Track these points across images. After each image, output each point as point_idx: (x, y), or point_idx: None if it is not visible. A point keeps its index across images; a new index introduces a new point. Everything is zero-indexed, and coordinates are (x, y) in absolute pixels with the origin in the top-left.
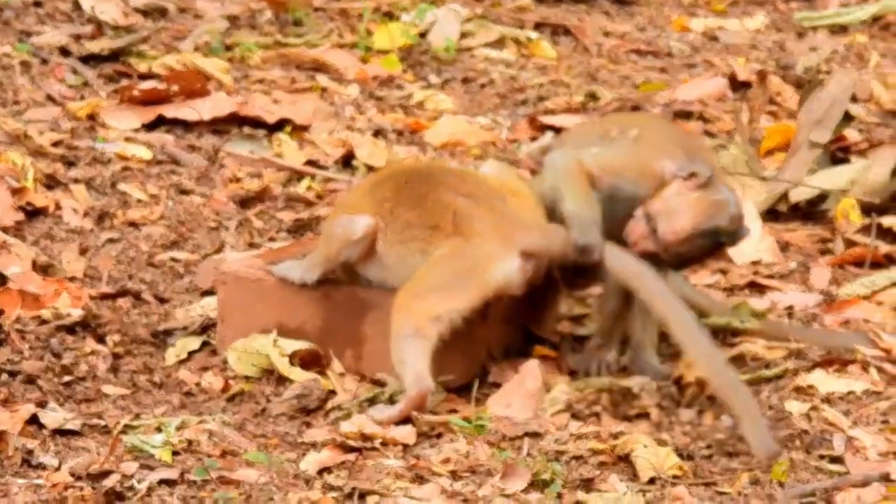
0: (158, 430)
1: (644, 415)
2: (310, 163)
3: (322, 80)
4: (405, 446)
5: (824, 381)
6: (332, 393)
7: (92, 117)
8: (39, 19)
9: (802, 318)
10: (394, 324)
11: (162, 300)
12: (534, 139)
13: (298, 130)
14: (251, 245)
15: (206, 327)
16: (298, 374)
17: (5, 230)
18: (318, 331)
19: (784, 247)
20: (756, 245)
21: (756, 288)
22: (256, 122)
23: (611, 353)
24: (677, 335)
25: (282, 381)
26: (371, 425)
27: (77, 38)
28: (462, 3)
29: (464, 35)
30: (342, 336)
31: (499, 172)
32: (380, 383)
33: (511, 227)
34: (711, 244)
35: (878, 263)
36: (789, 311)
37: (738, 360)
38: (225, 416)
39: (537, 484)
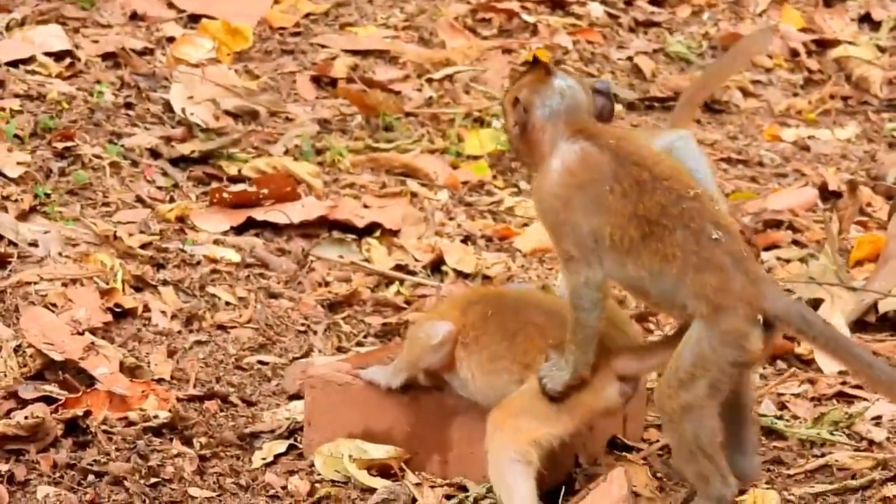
0: None
1: None
2: (399, 268)
3: (412, 185)
4: None
5: None
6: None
7: (181, 219)
8: (130, 121)
9: (890, 428)
10: (494, 444)
11: (249, 403)
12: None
13: (388, 235)
14: (339, 349)
15: (293, 431)
16: (379, 483)
17: (94, 331)
18: (405, 435)
19: None
20: None
21: (844, 398)
22: (346, 227)
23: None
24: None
25: (367, 486)
26: None
27: (167, 140)
28: None
29: None
30: (428, 441)
31: None
32: (462, 487)
33: (606, 356)
34: None
35: None
36: (877, 421)
37: (825, 470)
38: None
39: None
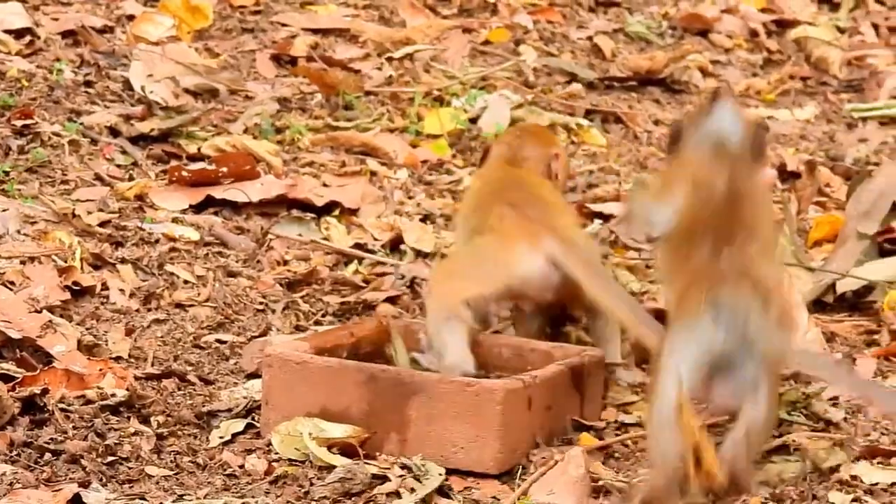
0: None
1: None
2: (358, 246)
3: (371, 163)
4: None
5: (868, 473)
6: (376, 477)
7: (140, 197)
8: (89, 99)
9: (847, 409)
10: (430, 307)
11: (207, 382)
12: (583, 226)
13: (347, 214)
14: (297, 328)
15: (251, 409)
16: (338, 461)
17: (51, 309)
18: (363, 414)
19: (830, 338)
20: (802, 336)
21: (801, 378)
22: (305, 205)
23: None
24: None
25: (325, 464)
26: None
27: (127, 118)
28: (513, 89)
29: (514, 121)
30: (386, 419)
31: None
32: (420, 467)
33: (540, 231)
34: None
35: None
36: (834, 401)
37: (782, 451)
38: (268, 499)
39: None
